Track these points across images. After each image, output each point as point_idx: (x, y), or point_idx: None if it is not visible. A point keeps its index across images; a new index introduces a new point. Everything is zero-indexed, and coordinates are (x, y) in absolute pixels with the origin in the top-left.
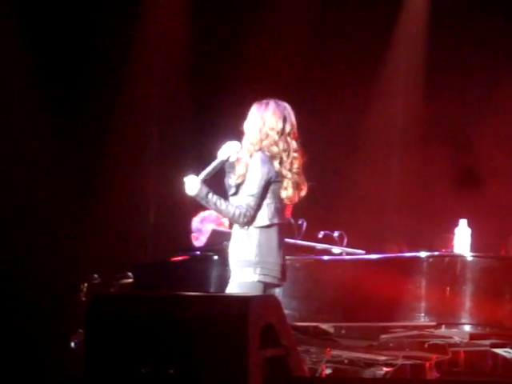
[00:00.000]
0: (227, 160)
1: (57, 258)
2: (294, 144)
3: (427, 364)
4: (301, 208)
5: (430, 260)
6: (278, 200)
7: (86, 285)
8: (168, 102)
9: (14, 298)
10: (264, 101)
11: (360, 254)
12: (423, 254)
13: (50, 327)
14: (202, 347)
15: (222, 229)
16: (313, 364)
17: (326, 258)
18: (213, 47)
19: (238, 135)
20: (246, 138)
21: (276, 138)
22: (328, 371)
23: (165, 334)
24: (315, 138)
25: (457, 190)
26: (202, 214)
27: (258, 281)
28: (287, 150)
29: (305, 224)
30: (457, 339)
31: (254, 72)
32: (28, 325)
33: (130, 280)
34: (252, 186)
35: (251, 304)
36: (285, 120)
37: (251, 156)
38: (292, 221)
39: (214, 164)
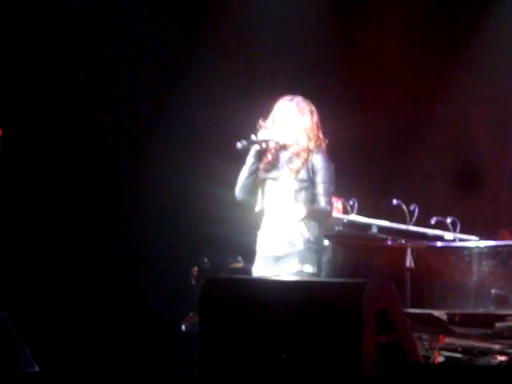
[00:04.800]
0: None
1: (168, 242)
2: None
3: None
4: (414, 193)
5: None
6: None
7: (196, 268)
8: None
9: (126, 282)
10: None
11: (473, 241)
12: None
13: (161, 310)
14: (315, 333)
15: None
16: (425, 351)
17: (438, 244)
18: None
19: None
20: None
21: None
22: (441, 359)
23: (278, 319)
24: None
25: None
26: None
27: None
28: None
29: (416, 210)
30: None
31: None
32: (139, 309)
33: (241, 264)
34: (329, 185)
35: (365, 290)
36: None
37: (311, 154)
38: None
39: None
